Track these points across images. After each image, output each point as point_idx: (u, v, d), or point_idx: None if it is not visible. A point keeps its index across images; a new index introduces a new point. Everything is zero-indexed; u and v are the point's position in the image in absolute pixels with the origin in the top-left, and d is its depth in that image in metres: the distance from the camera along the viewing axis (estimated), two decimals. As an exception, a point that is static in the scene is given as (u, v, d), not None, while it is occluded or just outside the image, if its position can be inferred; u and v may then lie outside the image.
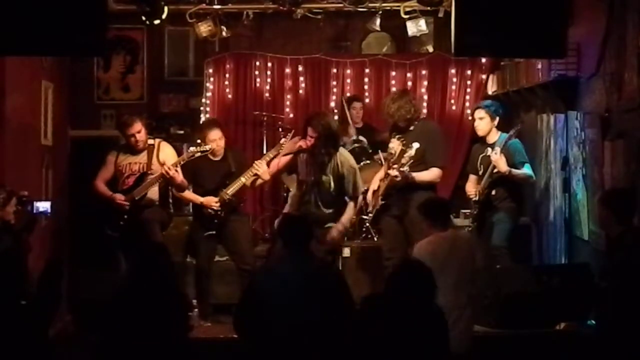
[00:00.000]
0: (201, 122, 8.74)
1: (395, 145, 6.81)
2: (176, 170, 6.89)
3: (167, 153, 7.16)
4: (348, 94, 9.10)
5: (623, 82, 5.95)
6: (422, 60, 9.18)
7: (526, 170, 7.01)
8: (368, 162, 8.08)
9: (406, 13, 8.50)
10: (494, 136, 7.07)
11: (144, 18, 8.10)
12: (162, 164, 7.00)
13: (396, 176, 6.63)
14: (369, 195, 7.04)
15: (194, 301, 7.18)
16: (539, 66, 7.34)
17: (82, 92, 9.35)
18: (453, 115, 9.11)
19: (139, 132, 6.99)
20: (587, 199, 6.70)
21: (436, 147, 6.83)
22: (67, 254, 8.09)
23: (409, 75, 9.13)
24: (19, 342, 4.27)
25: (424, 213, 5.64)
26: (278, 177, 7.65)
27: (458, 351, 4.90)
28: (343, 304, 4.75)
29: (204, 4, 8.51)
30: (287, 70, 9.19)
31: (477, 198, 7.04)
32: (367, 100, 9.13)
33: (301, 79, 9.20)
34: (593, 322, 5.83)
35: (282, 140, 7.09)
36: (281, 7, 8.49)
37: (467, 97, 9.11)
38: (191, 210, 7.72)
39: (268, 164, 6.96)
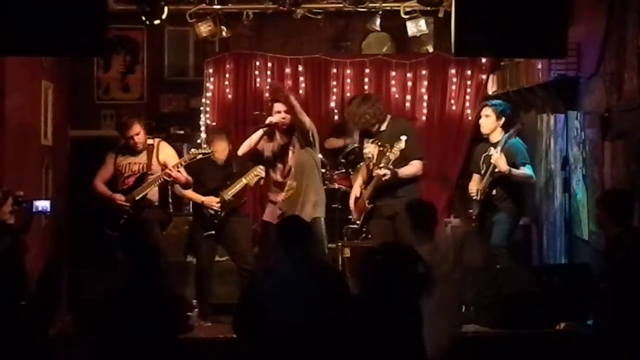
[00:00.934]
0: (207, 124, 8.77)
1: (371, 149, 6.92)
2: (178, 171, 6.92)
3: (167, 153, 7.17)
4: (348, 94, 9.10)
5: (623, 82, 5.94)
6: (422, 60, 9.16)
7: (527, 170, 7.01)
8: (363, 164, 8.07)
9: (406, 13, 8.50)
10: (498, 136, 7.07)
11: (144, 18, 8.10)
12: (162, 165, 7.02)
13: (385, 175, 6.65)
14: (351, 203, 7.07)
15: (194, 301, 7.19)
16: (539, 66, 7.33)
17: (82, 92, 9.34)
18: (453, 115, 9.10)
19: (137, 134, 7.00)
20: (587, 199, 6.70)
21: (413, 141, 6.86)
22: (67, 253, 8.08)
23: (409, 75, 9.11)
24: (18, 342, 4.27)
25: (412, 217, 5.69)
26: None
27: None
28: (342, 304, 4.74)
29: (204, 4, 8.50)
30: (287, 70, 9.17)
31: (478, 197, 7.05)
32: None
33: (301, 79, 9.18)
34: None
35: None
36: (281, 7, 8.49)
37: (467, 97, 9.09)
38: (191, 210, 7.74)
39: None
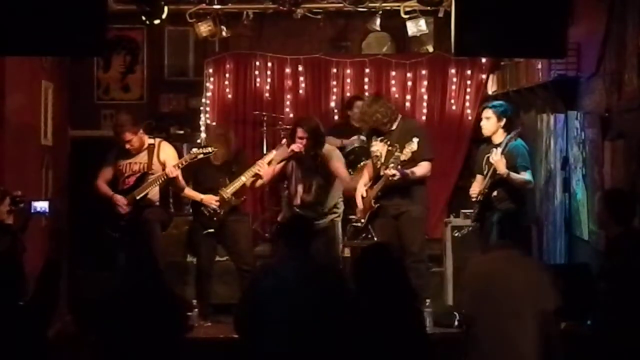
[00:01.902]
0: (207, 124, 8.77)
1: (379, 147, 6.89)
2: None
3: (167, 153, 7.17)
4: (348, 94, 9.11)
5: (623, 82, 5.93)
6: (422, 60, 9.18)
7: (526, 175, 6.95)
8: (368, 162, 8.06)
9: (406, 13, 8.51)
10: (501, 137, 7.02)
11: (144, 18, 8.11)
12: (163, 164, 7.01)
13: (394, 175, 6.64)
14: (358, 201, 7.06)
15: (194, 301, 7.19)
16: (539, 66, 7.33)
17: (82, 92, 9.35)
18: (453, 115, 9.11)
19: (129, 141, 7.00)
20: (587, 199, 6.69)
21: (423, 142, 6.84)
22: (67, 253, 8.07)
23: (409, 75, 9.13)
24: (17, 342, 4.26)
25: None
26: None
27: None
28: (343, 304, 4.74)
29: (204, 4, 8.52)
30: (287, 70, 9.19)
31: (478, 198, 7.04)
32: (367, 101, 9.12)
33: (301, 79, 9.20)
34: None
35: (273, 150, 7.24)
36: (281, 7, 8.50)
37: (467, 97, 9.10)
38: (190, 209, 7.73)
39: (268, 164, 7.01)
